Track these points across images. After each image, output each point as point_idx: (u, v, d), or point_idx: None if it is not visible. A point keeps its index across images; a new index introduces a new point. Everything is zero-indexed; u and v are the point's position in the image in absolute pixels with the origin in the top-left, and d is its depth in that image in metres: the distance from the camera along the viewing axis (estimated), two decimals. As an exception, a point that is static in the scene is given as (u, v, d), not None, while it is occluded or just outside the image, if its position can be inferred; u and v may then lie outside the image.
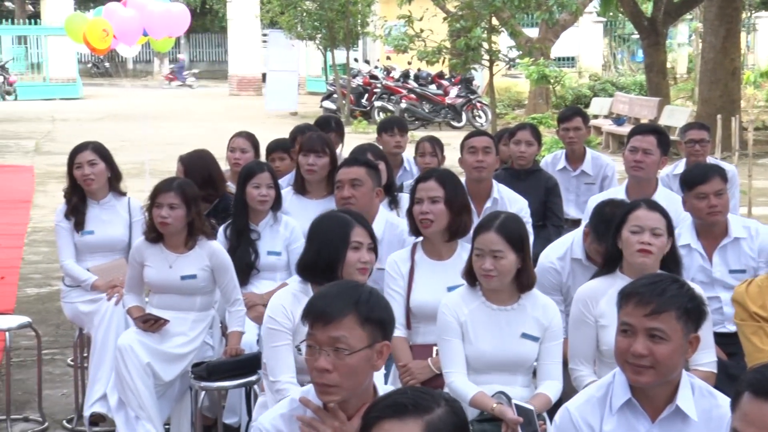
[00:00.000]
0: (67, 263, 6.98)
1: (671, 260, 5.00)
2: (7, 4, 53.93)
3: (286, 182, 7.45)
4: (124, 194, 7.16)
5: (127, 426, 6.06)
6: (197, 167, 7.30)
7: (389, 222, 6.31)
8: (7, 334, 6.90)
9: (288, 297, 4.84)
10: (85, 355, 7.09)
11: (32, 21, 41.60)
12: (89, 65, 49.92)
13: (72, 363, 7.72)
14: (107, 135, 19.08)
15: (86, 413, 6.58)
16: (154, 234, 6.20)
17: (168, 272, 6.17)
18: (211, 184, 7.24)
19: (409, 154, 8.96)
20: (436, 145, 8.34)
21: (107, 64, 49.59)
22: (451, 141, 11.35)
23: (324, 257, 4.81)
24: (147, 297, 6.48)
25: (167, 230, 6.14)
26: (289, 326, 4.75)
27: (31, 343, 7.86)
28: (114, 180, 7.11)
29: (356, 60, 34.05)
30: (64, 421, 7.06)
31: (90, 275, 6.91)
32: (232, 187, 7.42)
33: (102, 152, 7.04)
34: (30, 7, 51.74)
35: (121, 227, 7.05)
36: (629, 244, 4.95)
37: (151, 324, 6.12)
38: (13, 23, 42.74)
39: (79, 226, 6.97)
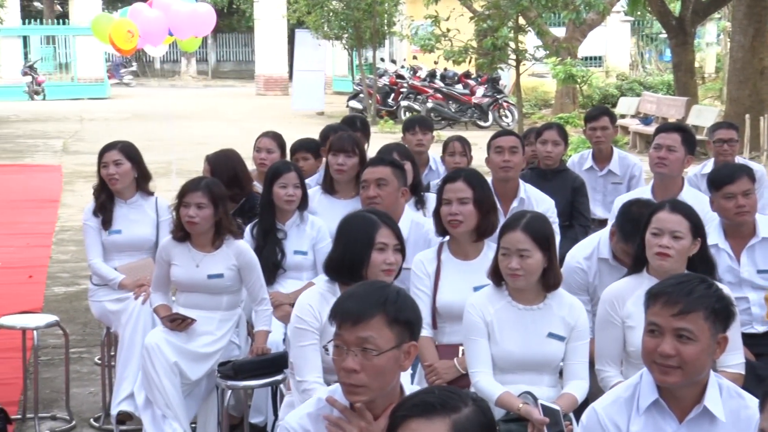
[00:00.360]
0: (95, 262, 7.01)
1: (700, 262, 4.96)
2: (36, 4, 54.20)
3: (314, 182, 7.46)
4: (151, 194, 7.18)
5: (153, 425, 6.07)
6: (223, 166, 7.31)
7: (415, 222, 6.30)
8: (35, 332, 6.92)
9: (315, 296, 4.84)
10: (113, 353, 7.10)
11: (61, 21, 41.82)
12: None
13: (99, 362, 7.74)
14: (134, 134, 19.18)
15: (113, 412, 6.59)
16: (182, 233, 6.22)
17: (195, 271, 6.19)
18: (237, 184, 7.25)
19: (434, 153, 8.95)
20: (466, 144, 8.35)
21: (135, 64, 49.75)
22: (478, 141, 11.32)
23: (349, 258, 4.82)
24: (174, 296, 6.49)
25: (195, 230, 6.15)
26: (316, 326, 4.75)
27: (59, 341, 7.90)
28: (141, 180, 7.12)
29: (383, 60, 34.05)
30: (92, 420, 7.08)
31: (117, 274, 6.92)
32: (258, 186, 7.43)
33: (129, 152, 7.05)
34: (58, 8, 52.00)
35: (148, 227, 7.07)
36: (649, 246, 4.94)
37: (178, 323, 6.13)
38: (41, 23, 42.96)
39: (106, 224, 7.00)
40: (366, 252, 4.79)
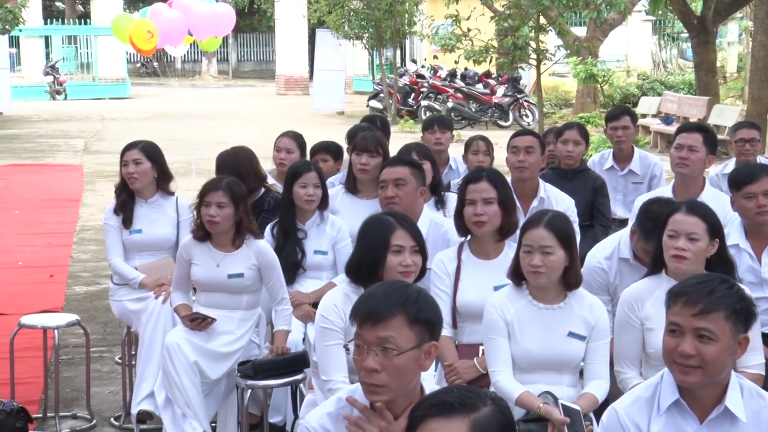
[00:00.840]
0: (115, 261, 7.02)
1: (719, 263, 4.93)
2: (58, 4, 54.39)
3: (337, 181, 7.45)
4: (172, 193, 7.19)
5: (173, 424, 6.09)
6: (227, 164, 7.24)
7: (433, 221, 6.29)
8: (56, 332, 6.94)
9: (340, 296, 4.83)
10: (133, 353, 7.12)
11: (82, 21, 41.95)
12: (138, 65, 50.25)
13: (120, 361, 7.76)
14: (155, 134, 19.22)
15: (134, 411, 6.61)
16: (203, 232, 6.23)
17: (215, 271, 6.20)
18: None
19: (454, 152, 8.93)
20: (489, 144, 8.33)
21: (155, 64, 49.88)
22: (499, 140, 11.30)
23: (366, 261, 4.82)
24: (194, 296, 6.50)
25: (215, 229, 6.16)
26: (341, 326, 4.74)
27: (80, 341, 7.93)
28: (161, 180, 7.13)
29: (403, 59, 34.04)
30: (112, 419, 7.09)
31: (138, 273, 6.94)
32: (278, 186, 7.42)
33: (150, 152, 7.06)
34: (80, 8, 52.18)
35: (168, 226, 7.08)
36: (666, 248, 4.92)
37: (198, 323, 6.14)
38: (63, 23, 43.09)
39: (127, 224, 7.01)
40: (381, 255, 4.79)
